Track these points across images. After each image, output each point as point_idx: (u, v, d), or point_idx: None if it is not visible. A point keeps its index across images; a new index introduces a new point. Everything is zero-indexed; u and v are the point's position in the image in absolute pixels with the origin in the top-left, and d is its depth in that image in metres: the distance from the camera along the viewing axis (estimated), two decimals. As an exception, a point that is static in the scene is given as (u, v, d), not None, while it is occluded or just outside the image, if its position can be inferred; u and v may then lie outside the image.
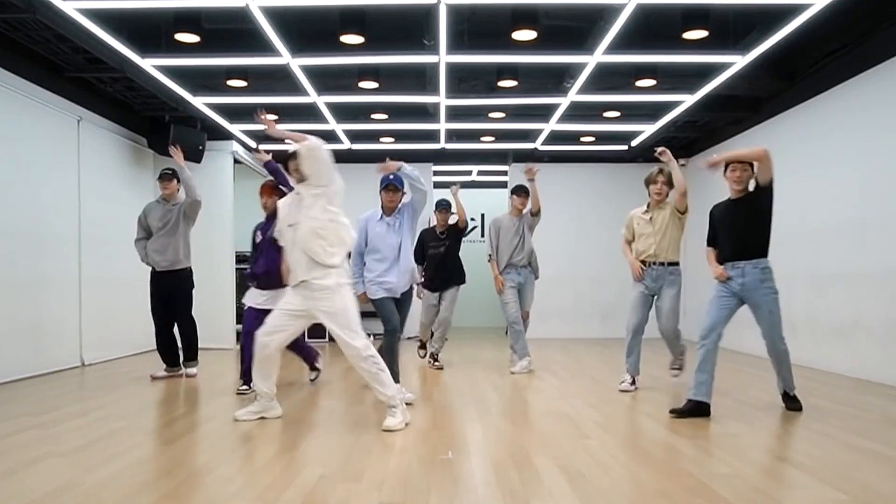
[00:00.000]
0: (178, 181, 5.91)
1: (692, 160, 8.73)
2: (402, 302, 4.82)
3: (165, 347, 5.91)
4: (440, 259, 6.49)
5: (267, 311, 4.24)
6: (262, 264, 5.00)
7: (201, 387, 5.58)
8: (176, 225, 5.85)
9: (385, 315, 4.71)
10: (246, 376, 4.98)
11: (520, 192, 6.37)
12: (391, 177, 4.68)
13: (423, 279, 6.53)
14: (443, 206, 6.52)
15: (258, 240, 5.20)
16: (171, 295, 5.86)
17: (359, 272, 4.75)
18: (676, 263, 5.22)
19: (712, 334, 4.30)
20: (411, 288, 4.93)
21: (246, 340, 4.88)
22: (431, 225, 6.90)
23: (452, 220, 6.59)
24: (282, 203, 4.19)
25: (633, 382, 5.25)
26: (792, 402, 4.41)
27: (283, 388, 5.43)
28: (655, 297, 5.21)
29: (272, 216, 4.81)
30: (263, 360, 4.04)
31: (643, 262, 5.19)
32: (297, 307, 3.95)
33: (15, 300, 5.78)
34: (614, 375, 6.06)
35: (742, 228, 4.38)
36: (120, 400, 4.87)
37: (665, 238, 5.14)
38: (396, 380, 4.44)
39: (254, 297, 5.11)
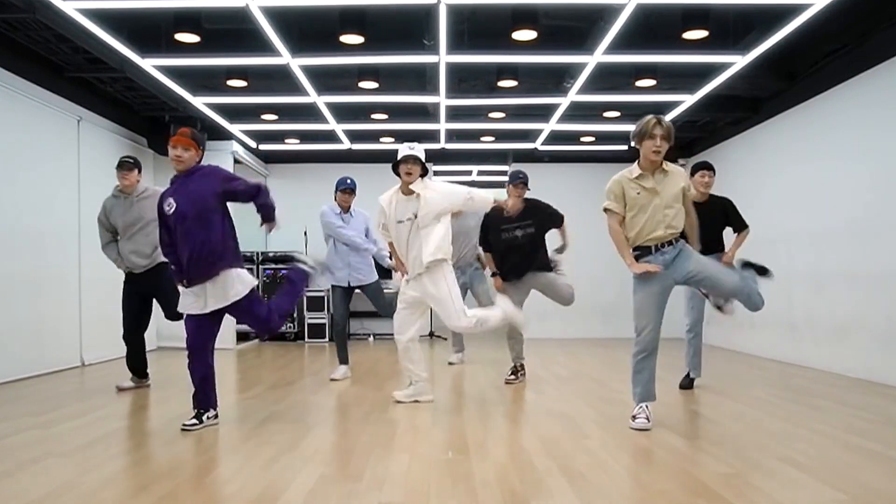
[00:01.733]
0: (140, 171, 5.28)
1: (692, 160, 8.74)
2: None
3: (138, 355, 5.34)
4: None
5: (207, 319, 3.85)
6: (187, 248, 3.77)
7: (201, 387, 5.57)
8: (147, 220, 5.12)
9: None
10: (199, 401, 3.95)
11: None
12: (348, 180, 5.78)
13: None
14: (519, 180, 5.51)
15: (169, 211, 3.82)
16: (156, 292, 5.27)
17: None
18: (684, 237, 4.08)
19: (697, 326, 5.10)
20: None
21: (190, 357, 3.92)
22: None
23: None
24: (387, 200, 4.56)
25: (649, 419, 3.89)
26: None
27: (283, 387, 5.44)
28: (682, 281, 3.92)
29: (186, 179, 3.90)
30: (405, 352, 4.61)
31: (644, 247, 3.88)
32: (414, 298, 4.50)
33: (15, 300, 5.78)
34: (614, 375, 6.06)
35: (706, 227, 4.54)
36: (120, 400, 4.87)
37: (677, 212, 3.87)
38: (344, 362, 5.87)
39: (188, 301, 3.87)
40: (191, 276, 3.82)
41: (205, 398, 3.95)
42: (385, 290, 6.11)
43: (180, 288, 3.90)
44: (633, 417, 3.91)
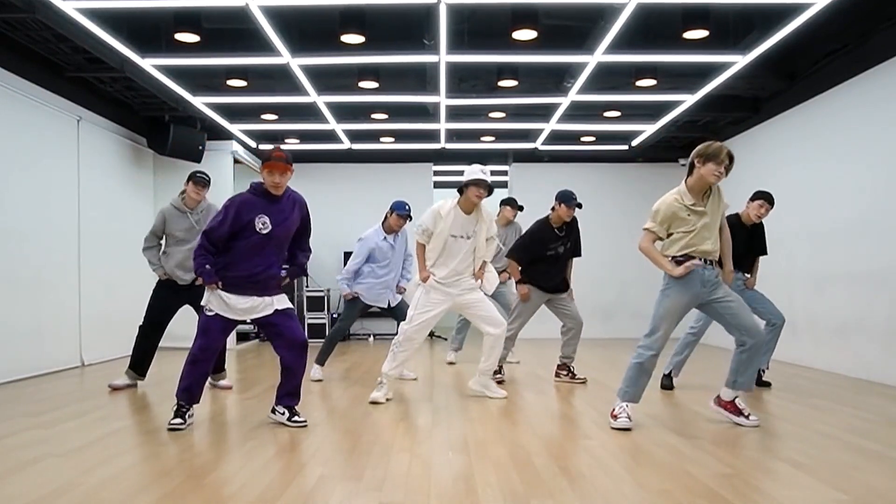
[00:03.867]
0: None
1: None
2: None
3: (148, 353, 5.26)
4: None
5: (233, 325, 3.94)
6: (263, 264, 3.88)
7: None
8: (197, 236, 5.04)
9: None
10: (191, 399, 3.93)
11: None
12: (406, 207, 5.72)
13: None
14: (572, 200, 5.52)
15: (264, 230, 3.82)
16: (196, 301, 4.69)
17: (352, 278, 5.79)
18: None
19: (701, 333, 5.29)
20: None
21: (204, 356, 3.88)
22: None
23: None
24: (446, 211, 4.68)
25: (630, 418, 3.92)
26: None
27: (283, 387, 5.43)
28: (705, 304, 3.94)
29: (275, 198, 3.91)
30: (410, 351, 4.76)
31: (692, 258, 3.81)
32: (444, 309, 4.71)
33: (15, 300, 5.78)
34: (614, 375, 6.05)
35: None
36: (120, 400, 4.87)
37: (719, 230, 3.95)
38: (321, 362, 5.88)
39: (234, 304, 3.85)
40: (246, 288, 3.85)
41: (198, 395, 3.96)
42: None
43: (220, 292, 3.83)
44: (615, 416, 3.89)
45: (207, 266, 3.81)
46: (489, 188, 4.61)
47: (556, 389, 5.36)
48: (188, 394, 3.90)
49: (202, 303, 3.91)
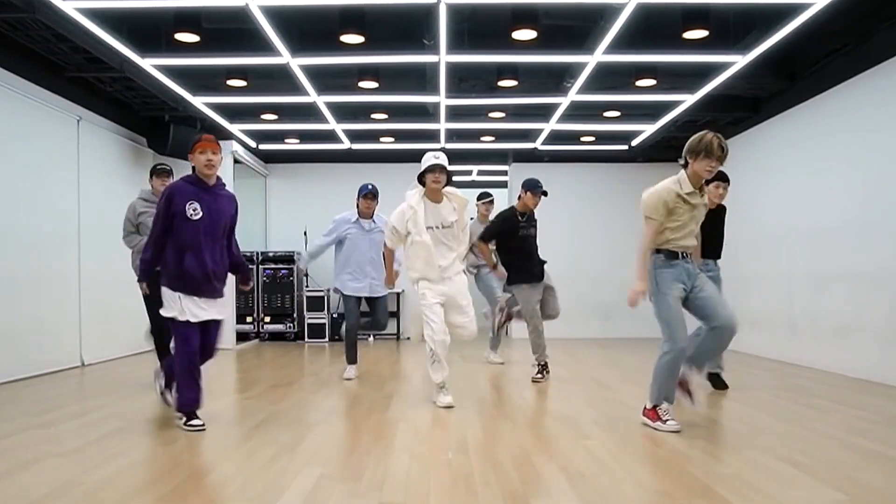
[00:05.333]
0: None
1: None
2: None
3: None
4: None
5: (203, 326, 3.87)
6: (210, 261, 3.84)
7: (201, 387, 5.57)
8: None
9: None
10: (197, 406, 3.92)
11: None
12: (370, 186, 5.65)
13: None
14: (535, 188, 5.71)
15: (195, 216, 3.79)
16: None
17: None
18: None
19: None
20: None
21: (195, 361, 3.86)
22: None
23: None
24: (416, 201, 4.61)
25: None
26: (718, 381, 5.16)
27: (283, 387, 5.44)
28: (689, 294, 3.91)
29: (207, 189, 3.89)
30: (445, 347, 4.59)
31: (673, 252, 3.83)
32: (447, 295, 4.66)
33: (15, 300, 5.78)
34: (614, 375, 6.07)
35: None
36: (119, 400, 4.87)
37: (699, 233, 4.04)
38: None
39: (193, 307, 3.81)
40: (204, 288, 3.80)
41: (202, 399, 3.95)
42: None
43: (176, 294, 3.77)
44: (663, 420, 3.80)
45: (145, 266, 3.90)
46: (445, 171, 4.59)
47: (556, 389, 5.36)
48: (198, 403, 3.87)
49: (162, 311, 3.85)
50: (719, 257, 5.09)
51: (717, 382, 5.18)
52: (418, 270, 4.63)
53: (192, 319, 3.79)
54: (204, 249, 3.80)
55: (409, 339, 9.99)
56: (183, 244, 3.78)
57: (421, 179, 4.65)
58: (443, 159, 4.61)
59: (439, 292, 4.62)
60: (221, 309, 3.97)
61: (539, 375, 5.66)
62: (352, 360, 5.90)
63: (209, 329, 3.92)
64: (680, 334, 3.76)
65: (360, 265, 5.74)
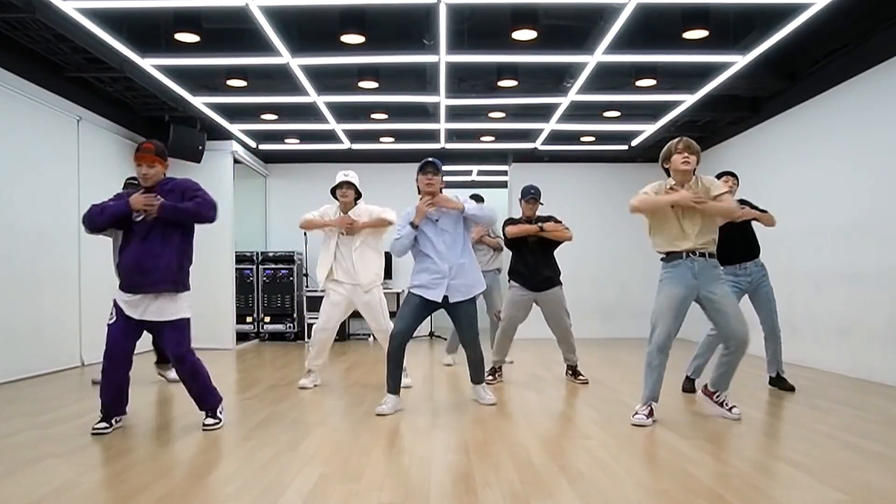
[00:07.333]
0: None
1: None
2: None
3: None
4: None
5: (134, 327, 3.81)
6: (142, 256, 3.80)
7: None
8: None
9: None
10: (114, 410, 3.85)
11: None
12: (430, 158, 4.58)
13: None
14: (531, 196, 5.70)
15: (138, 218, 3.80)
16: None
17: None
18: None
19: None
20: None
21: (111, 366, 3.76)
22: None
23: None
24: (332, 210, 5.25)
25: (648, 416, 3.98)
26: (784, 383, 5.22)
27: (283, 387, 5.44)
28: (701, 298, 3.96)
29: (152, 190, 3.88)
30: (325, 343, 5.38)
31: (675, 253, 3.94)
32: (343, 300, 5.24)
33: (15, 300, 5.78)
34: (614, 375, 6.06)
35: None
36: (120, 400, 4.86)
37: (707, 224, 3.97)
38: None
39: (122, 305, 3.84)
40: (135, 284, 3.76)
41: (119, 406, 3.87)
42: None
43: (119, 294, 3.83)
44: (635, 413, 4.01)
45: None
46: (353, 187, 5.18)
47: (556, 389, 5.36)
48: (105, 410, 3.79)
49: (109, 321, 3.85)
50: (755, 257, 5.14)
51: (783, 384, 5.23)
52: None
53: (121, 314, 3.80)
54: (137, 246, 3.79)
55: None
56: (128, 241, 3.86)
57: (334, 195, 5.29)
58: (352, 176, 5.21)
59: (339, 294, 5.24)
60: (171, 309, 3.81)
61: (490, 377, 5.54)
62: (393, 388, 4.49)
63: (167, 335, 3.85)
64: (657, 334, 3.97)
65: (436, 263, 4.51)
